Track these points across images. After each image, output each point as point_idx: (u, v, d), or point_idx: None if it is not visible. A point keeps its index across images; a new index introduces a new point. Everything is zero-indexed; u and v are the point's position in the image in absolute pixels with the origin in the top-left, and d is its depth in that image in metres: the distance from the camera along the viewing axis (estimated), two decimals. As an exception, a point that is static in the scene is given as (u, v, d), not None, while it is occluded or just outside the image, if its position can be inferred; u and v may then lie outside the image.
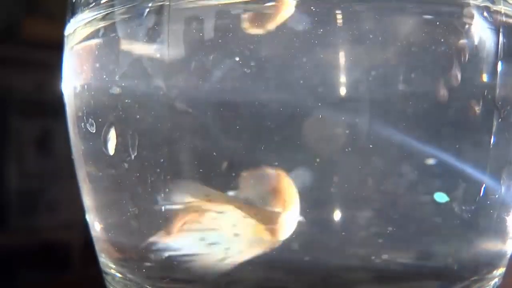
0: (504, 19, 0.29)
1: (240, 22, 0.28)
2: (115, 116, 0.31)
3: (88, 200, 0.33)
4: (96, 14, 0.31)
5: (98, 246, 0.34)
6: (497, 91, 0.29)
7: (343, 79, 0.28)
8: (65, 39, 0.34)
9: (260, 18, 0.28)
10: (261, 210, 0.28)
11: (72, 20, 0.33)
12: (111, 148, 0.30)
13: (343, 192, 0.28)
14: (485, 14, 0.29)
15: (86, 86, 0.32)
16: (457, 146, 0.29)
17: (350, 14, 0.28)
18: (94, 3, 0.32)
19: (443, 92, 0.28)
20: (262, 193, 0.28)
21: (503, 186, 0.30)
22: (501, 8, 0.29)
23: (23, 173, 0.60)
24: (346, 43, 0.28)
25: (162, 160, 0.30)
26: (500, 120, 0.29)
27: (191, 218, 0.28)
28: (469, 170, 0.29)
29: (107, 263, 0.33)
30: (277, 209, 0.28)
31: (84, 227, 0.34)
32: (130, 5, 0.30)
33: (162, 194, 0.30)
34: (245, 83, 0.28)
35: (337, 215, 0.28)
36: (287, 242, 0.28)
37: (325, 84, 0.28)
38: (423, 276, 0.30)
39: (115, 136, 0.30)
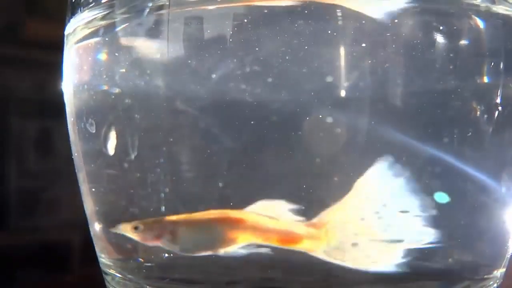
0: (504, 19, 0.29)
1: (239, 22, 0.28)
2: (115, 116, 0.31)
3: (87, 200, 0.33)
4: (96, 14, 0.31)
5: (98, 246, 0.33)
6: (498, 91, 0.29)
7: (342, 79, 0.28)
8: (65, 39, 0.34)
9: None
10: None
11: (72, 20, 0.33)
12: (111, 148, 0.30)
13: (341, 192, 0.28)
14: (485, 14, 0.29)
15: (86, 86, 0.32)
16: (457, 146, 0.29)
17: (350, 14, 0.28)
18: (94, 3, 0.32)
19: (443, 92, 0.28)
20: None
21: (503, 186, 0.30)
22: (502, 8, 0.29)
23: (23, 173, 0.60)
24: (346, 43, 0.28)
25: (162, 160, 0.30)
26: (500, 120, 0.29)
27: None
28: (469, 170, 0.29)
29: (107, 263, 0.33)
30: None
31: (84, 227, 0.34)
32: (130, 5, 0.30)
33: (162, 194, 0.30)
34: (245, 83, 0.28)
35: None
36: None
37: (325, 83, 0.28)
38: (423, 276, 0.30)
39: (115, 136, 0.30)
